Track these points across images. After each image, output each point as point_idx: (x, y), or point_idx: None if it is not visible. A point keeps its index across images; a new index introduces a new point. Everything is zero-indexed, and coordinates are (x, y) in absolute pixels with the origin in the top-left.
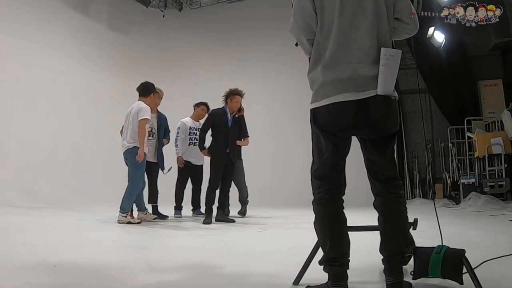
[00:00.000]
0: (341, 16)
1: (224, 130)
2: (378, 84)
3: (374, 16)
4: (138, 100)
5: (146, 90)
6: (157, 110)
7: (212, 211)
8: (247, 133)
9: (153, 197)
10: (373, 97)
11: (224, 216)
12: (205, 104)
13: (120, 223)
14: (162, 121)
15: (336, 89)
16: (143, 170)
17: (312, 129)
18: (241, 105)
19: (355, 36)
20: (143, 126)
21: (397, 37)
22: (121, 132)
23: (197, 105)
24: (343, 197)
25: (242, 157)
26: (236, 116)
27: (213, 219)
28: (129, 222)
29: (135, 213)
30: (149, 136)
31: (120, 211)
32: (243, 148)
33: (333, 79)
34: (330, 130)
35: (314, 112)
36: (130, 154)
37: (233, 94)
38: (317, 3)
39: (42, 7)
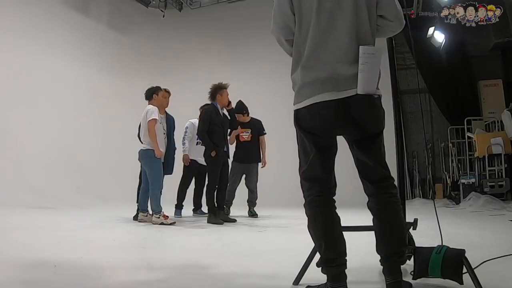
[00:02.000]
0: (318, 14)
1: (220, 128)
2: (358, 83)
3: (353, 14)
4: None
5: (148, 94)
6: (165, 111)
7: (216, 210)
8: (263, 130)
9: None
10: (354, 97)
11: (224, 216)
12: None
13: (153, 223)
14: (170, 122)
15: (316, 89)
16: (159, 169)
17: (296, 131)
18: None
19: (333, 35)
20: (151, 127)
21: (382, 35)
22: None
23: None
24: (336, 198)
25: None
26: (226, 110)
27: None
28: (161, 223)
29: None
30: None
31: (153, 214)
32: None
33: (312, 79)
34: (313, 131)
35: (296, 114)
36: (143, 156)
37: (221, 89)
38: (295, 3)
39: (42, 7)
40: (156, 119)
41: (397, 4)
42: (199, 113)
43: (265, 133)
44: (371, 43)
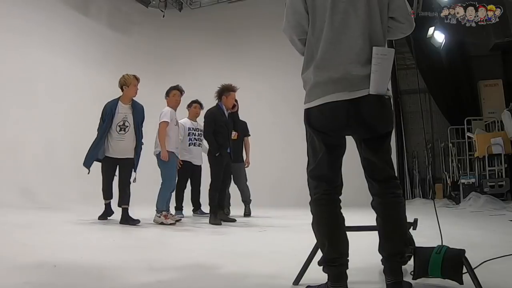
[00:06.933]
0: (332, 15)
1: (224, 129)
2: (371, 84)
3: (367, 16)
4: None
5: (166, 93)
6: (132, 99)
7: (217, 211)
8: (248, 132)
9: (122, 199)
10: (366, 97)
11: (224, 216)
12: (197, 102)
13: (154, 222)
14: (138, 112)
15: (328, 89)
16: (173, 170)
17: (306, 129)
18: (236, 101)
19: (347, 36)
20: (162, 128)
21: (392, 36)
22: None
23: (189, 106)
24: (341, 197)
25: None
26: (230, 112)
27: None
28: (161, 223)
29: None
30: (120, 130)
31: (155, 211)
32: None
33: (325, 79)
34: (323, 130)
35: (307, 113)
36: (158, 158)
37: (228, 91)
38: (309, 2)
39: (42, 7)
40: (167, 121)
41: (408, 6)
42: (187, 113)
43: (250, 135)
44: (383, 44)
